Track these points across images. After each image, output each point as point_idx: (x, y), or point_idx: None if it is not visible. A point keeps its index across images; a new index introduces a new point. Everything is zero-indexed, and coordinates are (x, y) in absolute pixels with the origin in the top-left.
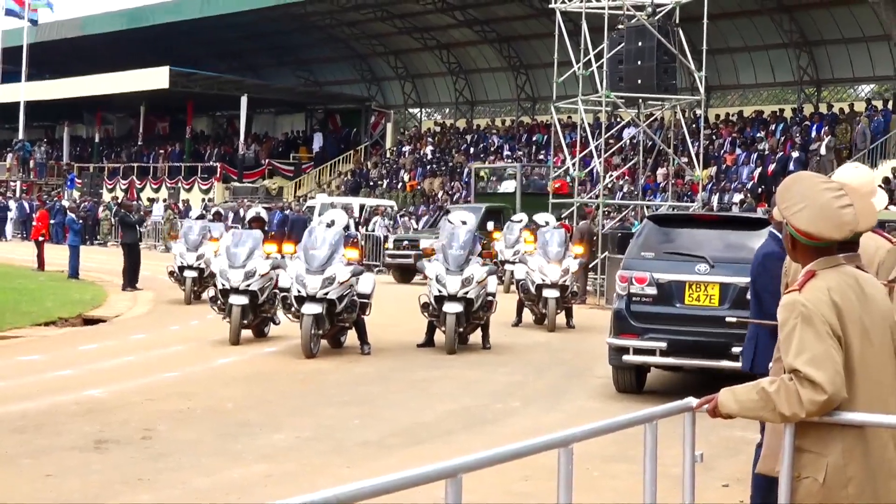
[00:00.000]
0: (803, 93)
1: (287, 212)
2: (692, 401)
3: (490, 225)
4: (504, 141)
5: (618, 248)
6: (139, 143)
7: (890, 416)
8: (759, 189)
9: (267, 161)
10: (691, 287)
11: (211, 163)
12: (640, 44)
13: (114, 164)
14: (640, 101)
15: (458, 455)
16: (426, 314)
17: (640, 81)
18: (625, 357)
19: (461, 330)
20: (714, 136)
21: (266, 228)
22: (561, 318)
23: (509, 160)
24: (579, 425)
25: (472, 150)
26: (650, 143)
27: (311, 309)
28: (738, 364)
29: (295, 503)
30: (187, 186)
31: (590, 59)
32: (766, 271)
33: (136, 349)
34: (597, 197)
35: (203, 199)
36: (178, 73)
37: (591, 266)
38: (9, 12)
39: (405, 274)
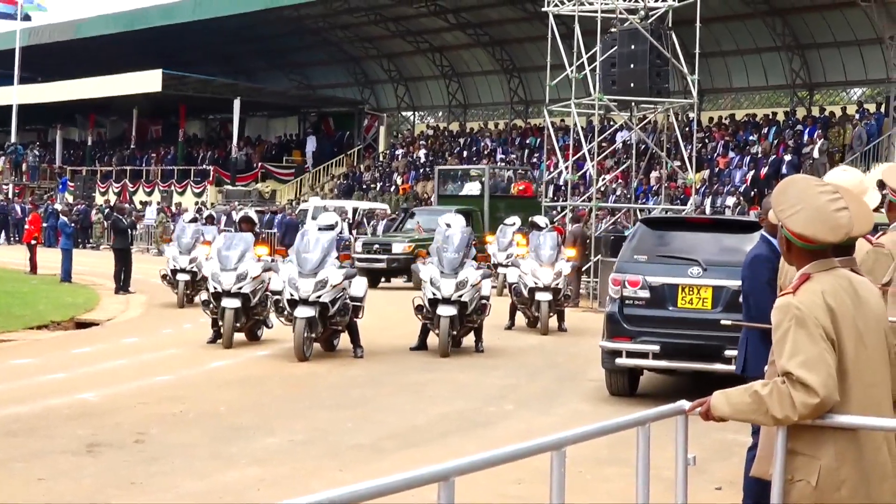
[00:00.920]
0: (796, 96)
1: (279, 215)
2: (685, 404)
3: None
4: (497, 144)
5: (610, 251)
6: (132, 146)
7: (883, 418)
8: (752, 192)
9: (260, 164)
10: (684, 290)
11: (204, 166)
12: (632, 47)
13: (106, 168)
14: (633, 104)
15: (451, 458)
16: (420, 317)
17: (632, 84)
18: (618, 360)
19: (455, 333)
20: (707, 140)
21: (258, 230)
22: (553, 322)
23: (503, 163)
24: (572, 428)
25: (465, 153)
26: (643, 146)
27: (303, 312)
28: (732, 367)
29: None
30: (180, 190)
31: (583, 63)
32: (753, 274)
33: (128, 352)
34: (590, 200)
35: (196, 203)
36: (171, 76)
37: (583, 269)
38: (3, 15)
39: (375, 278)
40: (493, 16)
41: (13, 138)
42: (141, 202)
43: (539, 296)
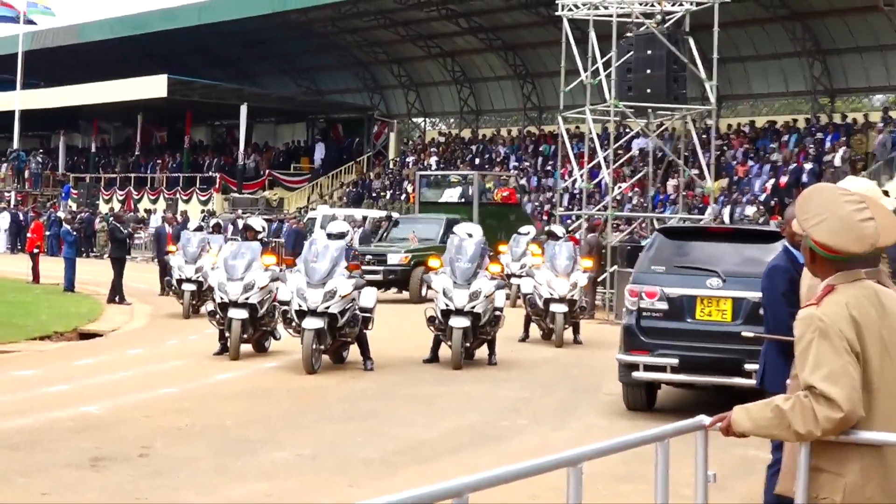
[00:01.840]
0: (817, 102)
1: (287, 223)
2: (704, 419)
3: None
4: (510, 151)
5: (627, 261)
6: (136, 152)
7: None
8: (773, 201)
9: (267, 171)
10: (703, 302)
11: (210, 173)
12: (649, 52)
13: (110, 175)
14: (650, 110)
15: (464, 473)
16: (432, 328)
17: (649, 91)
18: (635, 373)
19: (468, 345)
20: (725, 147)
21: (264, 238)
22: (569, 334)
23: (516, 171)
24: (588, 444)
25: (477, 160)
26: (660, 153)
27: (312, 323)
28: (753, 381)
29: None
30: (185, 197)
31: (598, 68)
32: (771, 285)
33: (133, 364)
34: (605, 209)
35: (202, 211)
36: (177, 81)
37: (599, 280)
38: (3, 19)
39: None
40: (505, 20)
41: (15, 144)
42: (146, 210)
43: (554, 307)
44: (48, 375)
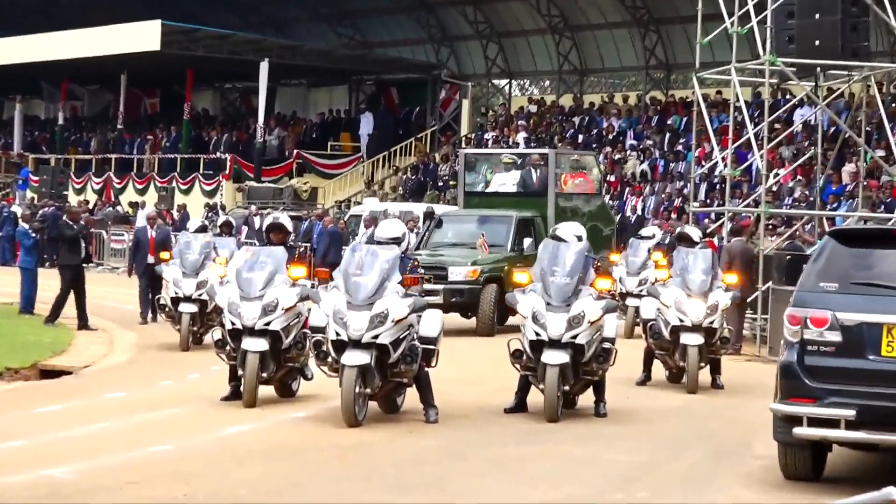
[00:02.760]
0: None
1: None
2: (893, 492)
3: (527, 244)
4: (626, 125)
5: (787, 276)
6: (119, 125)
7: None
8: None
9: (295, 152)
10: (892, 332)
11: (218, 154)
12: None
13: (83, 156)
14: (819, 70)
15: None
16: (518, 366)
17: (818, 43)
18: (797, 430)
19: (566, 388)
20: None
21: (292, 243)
22: (705, 375)
23: (634, 151)
24: None
25: (580, 136)
26: (832, 129)
27: (355, 358)
28: None
29: None
30: (184, 186)
31: (748, 12)
32: None
33: (113, 413)
34: (757, 204)
35: (206, 205)
36: (174, 29)
37: (748, 301)
38: None
39: None
40: None
41: None
42: (130, 203)
43: (686, 338)
44: None
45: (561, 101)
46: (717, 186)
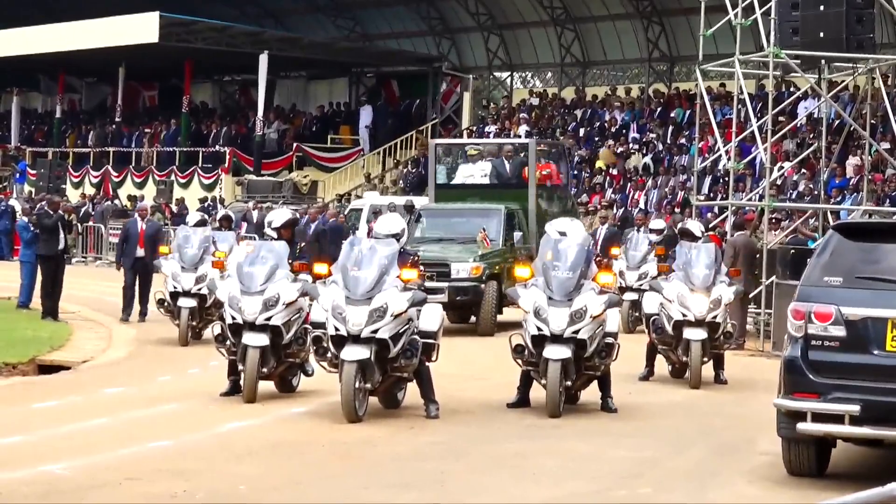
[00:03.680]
0: None
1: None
2: None
3: (517, 237)
4: (629, 118)
5: (791, 270)
6: (117, 119)
7: None
8: None
9: (295, 145)
10: None
11: (217, 147)
12: None
13: (81, 149)
14: (823, 62)
15: None
16: (520, 361)
17: (822, 35)
18: (800, 425)
19: (569, 384)
20: None
21: (297, 240)
22: (709, 370)
23: (636, 144)
24: None
25: (582, 130)
26: (837, 121)
27: (354, 353)
28: None
29: None
30: (183, 180)
31: (751, 4)
32: None
33: (111, 408)
34: (761, 198)
35: (203, 199)
36: (173, 21)
37: (751, 296)
38: None
39: None
40: None
41: None
42: (129, 197)
43: (689, 333)
44: None
45: (563, 94)
46: (721, 180)
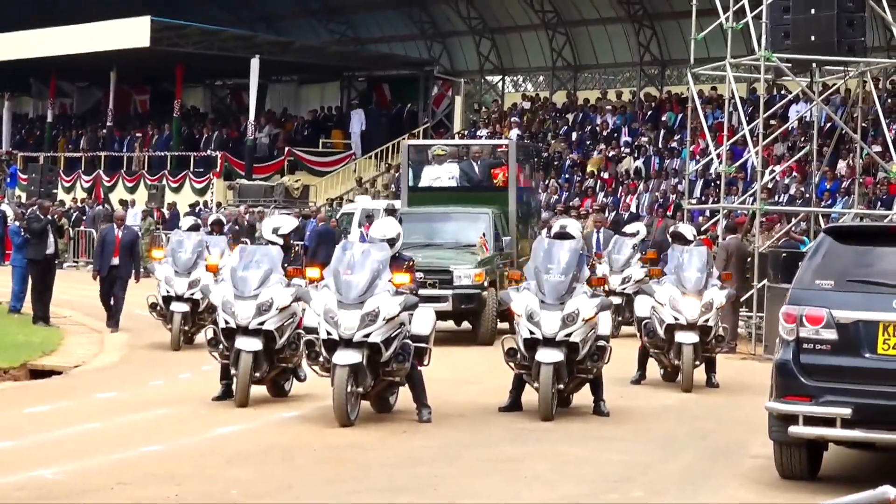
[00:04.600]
0: None
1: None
2: (889, 491)
3: (506, 242)
4: (621, 121)
5: (782, 273)
6: (108, 123)
7: None
8: None
9: (286, 149)
10: (888, 330)
11: (208, 152)
12: None
13: (72, 154)
14: (815, 65)
15: None
16: (512, 364)
17: (813, 38)
18: (792, 429)
19: (561, 387)
20: None
21: (290, 244)
22: (700, 373)
23: (628, 148)
24: None
25: (574, 133)
26: (828, 125)
27: (346, 357)
28: None
29: None
30: (175, 184)
31: (742, 7)
32: None
33: (103, 413)
34: (752, 202)
35: (192, 204)
36: (164, 25)
37: (743, 299)
38: None
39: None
40: None
41: None
42: (121, 201)
43: (680, 336)
44: None
45: (554, 98)
46: (713, 183)
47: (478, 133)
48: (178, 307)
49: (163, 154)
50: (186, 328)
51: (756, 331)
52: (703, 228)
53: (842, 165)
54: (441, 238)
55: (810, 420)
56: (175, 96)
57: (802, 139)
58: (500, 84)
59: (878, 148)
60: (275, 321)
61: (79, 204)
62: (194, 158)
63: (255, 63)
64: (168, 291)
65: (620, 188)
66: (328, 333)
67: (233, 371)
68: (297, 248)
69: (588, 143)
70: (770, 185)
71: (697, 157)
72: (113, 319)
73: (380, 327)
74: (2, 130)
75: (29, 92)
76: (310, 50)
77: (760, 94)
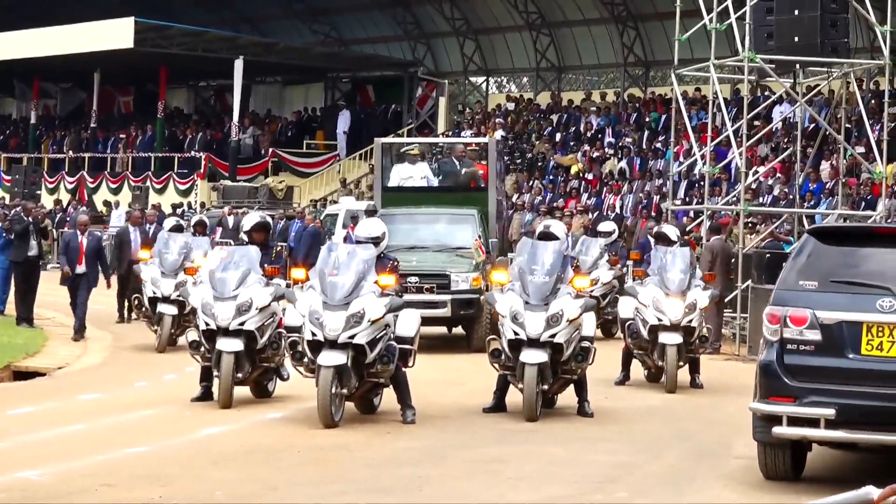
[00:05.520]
0: None
1: (296, 222)
2: (872, 492)
3: (492, 244)
4: (605, 122)
5: (766, 274)
6: (92, 124)
7: None
8: None
9: (271, 150)
10: (871, 331)
11: (192, 153)
12: None
13: (56, 155)
14: (798, 67)
15: None
16: (496, 365)
17: (797, 39)
18: (776, 429)
19: (545, 388)
20: None
21: (271, 242)
22: (684, 374)
23: (612, 149)
24: None
25: (559, 134)
26: (812, 126)
27: (331, 359)
28: None
29: None
30: (159, 185)
31: (726, 8)
32: None
33: (87, 414)
34: (735, 202)
35: (174, 205)
36: (148, 26)
37: (727, 300)
38: None
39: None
40: None
41: None
42: (105, 202)
43: (664, 337)
44: None
45: (539, 99)
46: (697, 184)
47: (461, 134)
48: (167, 309)
49: (147, 155)
50: (173, 331)
51: (740, 331)
52: (687, 229)
53: (825, 166)
54: (424, 240)
55: (794, 421)
56: (159, 97)
57: (786, 140)
58: (484, 85)
59: (861, 149)
60: (255, 321)
61: (63, 206)
62: (178, 159)
63: (238, 64)
64: (154, 293)
65: (604, 189)
66: (313, 334)
67: (215, 373)
68: (279, 248)
69: (572, 143)
70: (754, 186)
71: (681, 157)
72: (77, 326)
73: (365, 329)
74: None
75: (12, 93)
76: (294, 51)
77: (744, 95)
